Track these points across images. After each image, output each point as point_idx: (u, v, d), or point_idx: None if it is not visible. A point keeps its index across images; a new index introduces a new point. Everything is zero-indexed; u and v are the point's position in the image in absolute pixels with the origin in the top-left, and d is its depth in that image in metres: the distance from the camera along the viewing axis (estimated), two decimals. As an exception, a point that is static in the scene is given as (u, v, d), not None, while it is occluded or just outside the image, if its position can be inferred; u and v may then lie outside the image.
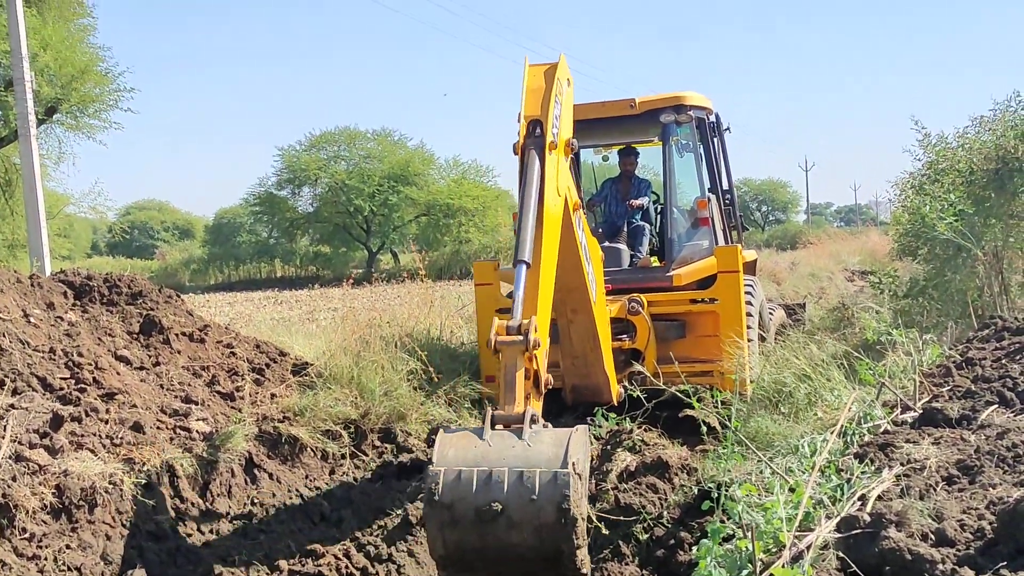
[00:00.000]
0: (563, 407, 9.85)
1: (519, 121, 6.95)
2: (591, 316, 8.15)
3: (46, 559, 5.57)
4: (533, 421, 5.34)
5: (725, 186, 12.20)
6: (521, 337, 5.54)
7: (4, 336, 7.32)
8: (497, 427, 5.37)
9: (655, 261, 11.18)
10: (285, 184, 60.99)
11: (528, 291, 5.91)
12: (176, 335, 9.03)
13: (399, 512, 7.92)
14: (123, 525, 6.34)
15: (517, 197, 6.67)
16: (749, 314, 10.58)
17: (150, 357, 8.62)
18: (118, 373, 7.84)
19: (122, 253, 76.03)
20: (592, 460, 5.58)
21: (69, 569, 5.64)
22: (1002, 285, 11.71)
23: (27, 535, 5.63)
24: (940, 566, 3.55)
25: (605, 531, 7.41)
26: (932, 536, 3.87)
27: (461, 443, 5.24)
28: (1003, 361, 7.22)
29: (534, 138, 6.70)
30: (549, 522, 4.95)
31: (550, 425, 5.66)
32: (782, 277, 28.43)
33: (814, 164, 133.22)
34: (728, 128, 12.22)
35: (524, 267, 5.94)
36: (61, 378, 7.33)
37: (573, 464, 5.03)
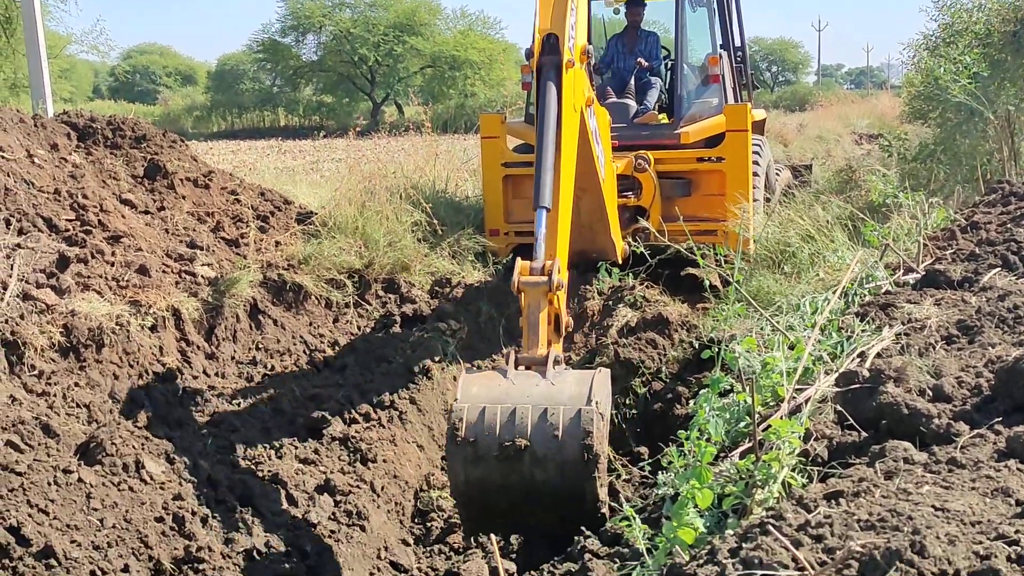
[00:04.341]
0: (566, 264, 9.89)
1: (534, 32, 6.58)
2: (600, 193, 8.10)
3: (55, 396, 5.65)
4: (556, 362, 5.29)
5: (737, 43, 11.98)
6: (545, 278, 5.45)
7: (9, 176, 7.30)
8: (520, 367, 5.31)
9: (663, 118, 11.05)
10: (289, 31, 59.99)
11: (549, 234, 5.80)
12: (181, 180, 9.00)
13: (401, 361, 8.02)
14: (130, 365, 6.43)
15: (536, 116, 6.33)
16: (756, 174, 10.52)
17: (155, 201, 8.61)
18: (123, 216, 7.84)
19: (124, 97, 75.09)
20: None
21: (78, 406, 5.73)
22: (1012, 150, 11.60)
23: (36, 372, 5.71)
24: (936, 420, 3.60)
25: None
26: (930, 392, 3.92)
27: (485, 381, 5.20)
28: (1008, 225, 7.20)
29: (550, 56, 6.35)
30: (572, 459, 4.91)
31: (571, 368, 5.63)
32: (790, 139, 28.17)
33: (827, 24, 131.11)
34: (743, -18, 11.95)
35: (545, 212, 5.81)
36: (67, 219, 7.33)
37: (596, 403, 4.99)
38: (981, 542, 2.36)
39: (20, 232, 6.88)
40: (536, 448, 4.92)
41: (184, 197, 8.87)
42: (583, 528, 5.02)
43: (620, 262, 9.34)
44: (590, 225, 8.66)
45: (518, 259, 5.71)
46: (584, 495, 5.00)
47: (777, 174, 12.72)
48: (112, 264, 7.07)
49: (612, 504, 5.81)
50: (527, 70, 11.44)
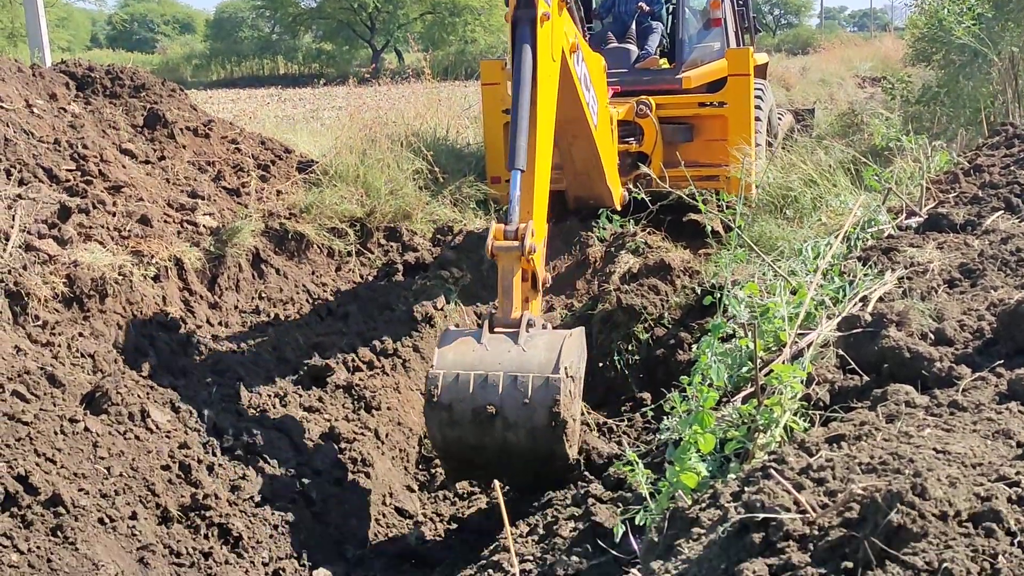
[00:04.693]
0: (567, 210, 9.88)
1: None
2: (592, 140, 8.07)
3: (59, 346, 5.67)
4: (530, 325, 5.52)
5: (739, -15, 11.88)
6: (517, 243, 5.60)
7: (8, 126, 7.27)
8: (496, 330, 5.55)
9: (664, 63, 10.97)
10: (287, -24, 59.53)
11: (524, 195, 5.90)
12: (180, 129, 8.96)
13: (404, 309, 8.04)
14: (133, 315, 6.44)
15: (511, 72, 6.29)
16: (758, 119, 10.47)
17: (155, 151, 8.58)
18: (123, 166, 7.82)
19: (122, 46, 74.53)
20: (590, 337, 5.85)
21: (82, 356, 5.75)
22: (1016, 91, 11.52)
23: (40, 323, 5.73)
24: (938, 364, 3.61)
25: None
26: (931, 335, 3.92)
27: (460, 347, 5.46)
28: (1012, 168, 7.16)
29: (524, 10, 6.19)
30: (541, 424, 5.22)
31: (549, 325, 5.87)
32: (792, 83, 27.95)
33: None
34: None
35: (519, 173, 5.88)
36: (67, 170, 7.31)
37: (565, 369, 5.27)
38: (982, 484, 2.38)
39: (21, 183, 6.86)
40: (507, 414, 5.25)
41: (184, 146, 8.84)
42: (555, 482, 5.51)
43: (618, 208, 9.31)
44: (586, 172, 8.65)
45: (492, 222, 5.82)
46: (554, 456, 5.34)
47: (779, 118, 12.67)
48: (114, 214, 7.06)
49: (615, 452, 5.89)
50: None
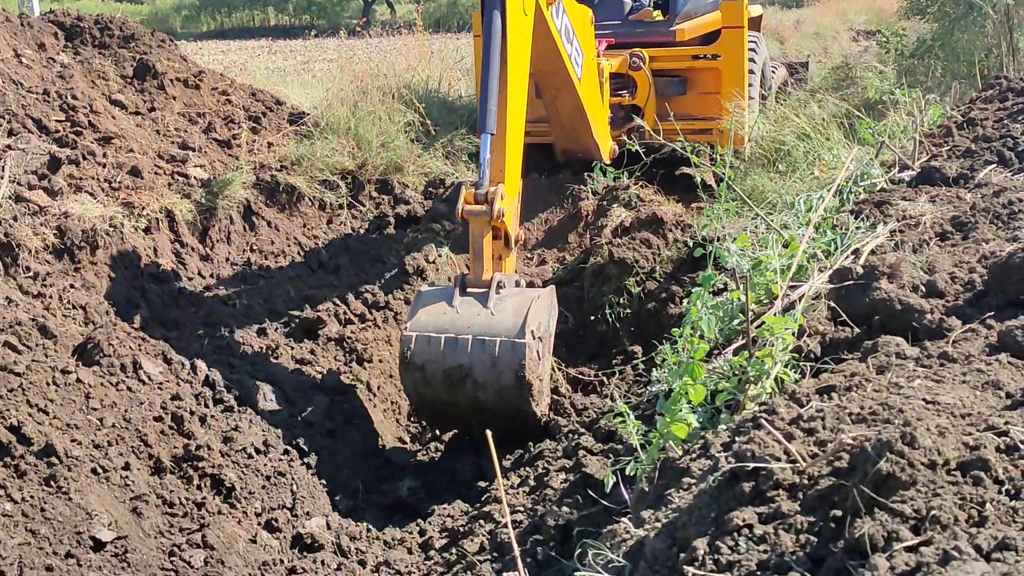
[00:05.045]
0: (559, 162, 9.84)
1: None
2: (576, 93, 8.05)
3: (51, 297, 5.66)
4: (500, 287, 5.70)
5: (733, -65, 11.75)
6: (486, 207, 5.73)
7: (-4, 76, 7.21)
8: (468, 291, 5.75)
9: (658, 15, 10.89)
10: (276, -76, 58.72)
11: (495, 157, 5.95)
12: (171, 80, 8.90)
13: (395, 262, 8.03)
14: (125, 267, 6.43)
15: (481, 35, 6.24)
16: (751, 72, 10.40)
17: (145, 102, 8.52)
18: (113, 117, 7.77)
19: (110, -3, 73.75)
20: (556, 321, 6.11)
21: (74, 307, 5.74)
22: (1010, 45, 11.47)
23: (31, 274, 5.71)
24: (929, 316, 3.62)
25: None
26: (923, 288, 3.93)
27: (432, 309, 5.69)
28: (1005, 121, 7.16)
29: None
30: (508, 385, 5.49)
31: (523, 282, 6.09)
32: (786, 36, 27.75)
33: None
34: None
35: (489, 136, 5.92)
36: (56, 120, 7.26)
37: (532, 332, 5.50)
38: (971, 433, 2.39)
39: (10, 133, 6.82)
40: (476, 375, 5.53)
41: (174, 98, 8.77)
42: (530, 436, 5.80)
43: (607, 162, 9.28)
44: (571, 125, 8.64)
45: (462, 187, 5.97)
46: (523, 414, 5.63)
47: (773, 72, 12.58)
48: (104, 166, 7.02)
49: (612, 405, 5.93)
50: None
